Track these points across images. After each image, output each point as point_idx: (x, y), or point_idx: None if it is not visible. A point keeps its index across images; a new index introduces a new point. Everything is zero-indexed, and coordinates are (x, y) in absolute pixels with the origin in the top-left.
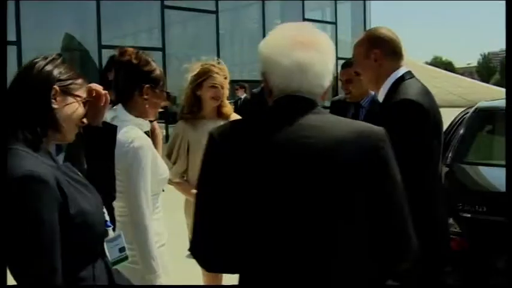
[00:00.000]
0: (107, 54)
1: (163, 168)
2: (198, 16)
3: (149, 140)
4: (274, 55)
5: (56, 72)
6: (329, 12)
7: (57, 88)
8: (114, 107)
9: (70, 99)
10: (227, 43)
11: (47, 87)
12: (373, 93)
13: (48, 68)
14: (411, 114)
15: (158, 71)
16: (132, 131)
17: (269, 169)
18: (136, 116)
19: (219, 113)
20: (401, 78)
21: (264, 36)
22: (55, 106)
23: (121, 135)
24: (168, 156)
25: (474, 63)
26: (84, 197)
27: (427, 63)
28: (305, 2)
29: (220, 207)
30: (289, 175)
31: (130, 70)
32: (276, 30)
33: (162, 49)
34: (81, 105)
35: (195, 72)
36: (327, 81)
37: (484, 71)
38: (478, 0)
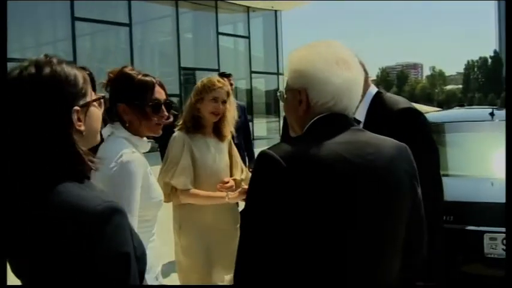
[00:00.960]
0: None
1: (158, 192)
2: (109, 28)
3: (143, 158)
4: (321, 73)
5: (68, 88)
6: (241, 26)
7: (78, 108)
8: (113, 124)
9: (92, 109)
10: (138, 56)
11: (65, 114)
12: None
13: (56, 85)
14: (422, 121)
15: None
16: (122, 146)
17: (347, 188)
18: (134, 134)
19: (216, 132)
20: (378, 93)
21: (178, 49)
22: (81, 128)
23: (109, 151)
24: (175, 163)
25: (373, 77)
26: None
27: None
28: (218, 15)
29: (285, 235)
30: (364, 192)
31: (111, 87)
32: (307, 47)
33: (74, 62)
34: (100, 104)
35: (198, 85)
36: None
37: (382, 84)
38: (372, 20)
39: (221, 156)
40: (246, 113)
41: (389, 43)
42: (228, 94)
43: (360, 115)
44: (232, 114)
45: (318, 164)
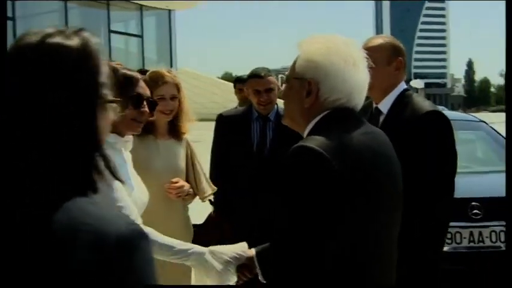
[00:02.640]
0: None
1: (140, 192)
2: None
3: (118, 156)
4: (338, 70)
5: (101, 72)
6: (134, 24)
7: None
8: None
9: (108, 110)
10: None
11: (94, 99)
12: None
13: (93, 62)
14: (447, 124)
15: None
16: None
17: (376, 175)
18: (113, 131)
19: (172, 131)
20: (405, 90)
21: None
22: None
23: None
24: None
25: None
26: None
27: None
28: (110, 12)
29: (330, 227)
30: (392, 180)
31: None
32: (323, 39)
33: None
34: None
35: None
36: None
37: None
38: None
39: (174, 159)
40: None
41: (274, 47)
42: (177, 87)
43: (385, 107)
44: (187, 108)
45: (353, 156)
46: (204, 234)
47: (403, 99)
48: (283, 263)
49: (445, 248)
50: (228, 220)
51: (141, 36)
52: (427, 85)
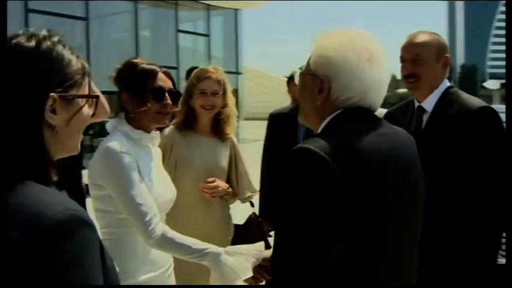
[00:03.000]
0: None
1: (164, 189)
2: (65, 22)
3: (139, 152)
4: (351, 67)
5: (52, 68)
6: (201, 24)
7: (56, 96)
8: (119, 115)
9: (76, 105)
10: (95, 52)
11: (40, 96)
12: None
13: (42, 61)
14: (499, 120)
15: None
16: (113, 139)
17: (386, 179)
18: (137, 127)
19: (216, 130)
20: (449, 88)
21: (136, 46)
22: (53, 122)
23: (101, 146)
24: None
25: None
26: None
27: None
28: (178, 12)
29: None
30: (398, 182)
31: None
32: (338, 33)
33: None
34: (91, 104)
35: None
36: None
37: None
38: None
39: (215, 158)
40: None
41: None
42: (221, 84)
43: (429, 105)
44: (232, 109)
45: (361, 159)
46: (243, 235)
47: (449, 96)
48: (282, 270)
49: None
50: (270, 222)
51: (208, 36)
52: (503, 86)
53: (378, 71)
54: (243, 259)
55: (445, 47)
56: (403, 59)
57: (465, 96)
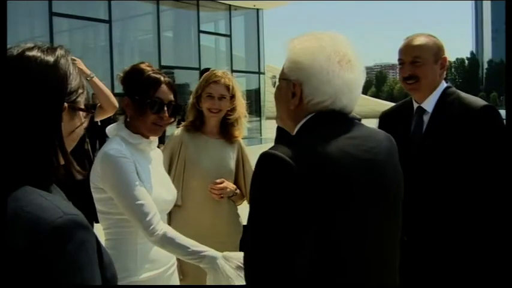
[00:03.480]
0: None
1: (163, 190)
2: (88, 25)
3: (138, 155)
4: (321, 71)
5: (66, 80)
6: (223, 24)
7: (66, 105)
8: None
9: (77, 117)
10: (118, 53)
11: (59, 105)
12: None
13: (61, 69)
14: (501, 118)
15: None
16: (112, 144)
17: (356, 184)
18: (135, 132)
19: (224, 132)
20: (449, 88)
21: (159, 47)
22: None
23: (101, 151)
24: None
25: None
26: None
27: None
28: (200, 13)
29: (302, 236)
30: (372, 185)
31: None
32: (310, 37)
33: None
34: (86, 119)
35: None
36: None
37: None
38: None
39: (223, 159)
40: None
41: (369, 44)
42: (229, 89)
43: (429, 106)
44: (241, 112)
45: (327, 163)
46: None
47: (448, 96)
48: (252, 274)
49: None
50: None
51: (229, 36)
52: None
53: (349, 74)
54: (239, 265)
55: (442, 48)
56: (401, 62)
57: (465, 95)
